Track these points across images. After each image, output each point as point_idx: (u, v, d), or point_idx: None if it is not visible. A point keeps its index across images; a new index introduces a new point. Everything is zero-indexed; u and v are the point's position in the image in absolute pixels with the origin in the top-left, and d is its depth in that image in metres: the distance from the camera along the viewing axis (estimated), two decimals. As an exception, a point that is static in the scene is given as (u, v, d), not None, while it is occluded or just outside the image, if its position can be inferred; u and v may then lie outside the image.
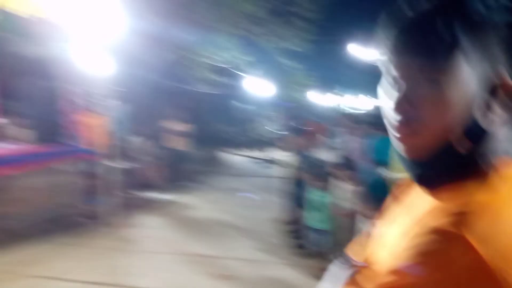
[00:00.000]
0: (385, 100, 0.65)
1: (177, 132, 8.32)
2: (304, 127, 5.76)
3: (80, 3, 5.17)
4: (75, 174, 5.55)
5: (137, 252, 4.72)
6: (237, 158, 13.11)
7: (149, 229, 5.56)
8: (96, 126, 6.13)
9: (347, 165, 4.79)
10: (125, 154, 7.00)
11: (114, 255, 4.57)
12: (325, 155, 5.13)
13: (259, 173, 10.67)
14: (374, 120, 4.21)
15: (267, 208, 6.25)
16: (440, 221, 0.54)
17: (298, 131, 5.66)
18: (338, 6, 14.13)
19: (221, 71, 11.28)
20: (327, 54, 18.63)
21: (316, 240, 4.20)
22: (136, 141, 8.07)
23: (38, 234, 4.84)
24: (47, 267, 4.09)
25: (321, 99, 22.74)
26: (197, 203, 7.12)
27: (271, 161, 11.33)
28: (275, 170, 9.10)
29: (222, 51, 10.79)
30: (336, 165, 4.88)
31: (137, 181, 7.33)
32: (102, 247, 4.76)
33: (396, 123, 0.62)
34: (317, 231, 4.19)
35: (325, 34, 14.54)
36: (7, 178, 4.74)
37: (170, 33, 9.12)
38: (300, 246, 4.63)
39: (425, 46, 0.58)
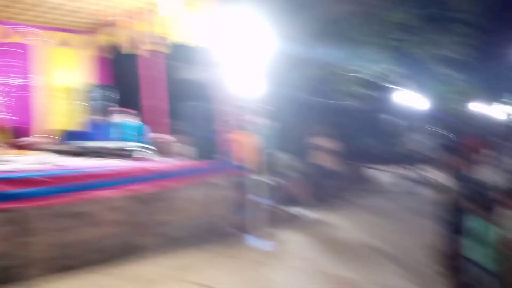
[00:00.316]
0: None
1: (323, 148, 8.31)
2: (465, 142, 5.11)
3: (234, 31, 5.63)
4: (227, 188, 5.95)
5: (280, 267, 4.80)
6: (386, 175, 12.43)
7: (292, 244, 5.62)
8: (247, 143, 6.51)
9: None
10: (272, 169, 7.27)
11: (259, 268, 4.73)
12: (490, 177, 4.45)
13: (410, 193, 9.91)
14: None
15: (418, 233, 5.72)
16: None
17: (456, 148, 5.05)
18: (505, 6, 12.33)
19: (369, 84, 10.94)
20: (492, 59, 16.42)
21: (478, 277, 3.64)
22: (283, 157, 8.31)
23: (194, 242, 5.32)
24: (201, 274, 4.44)
25: (486, 110, 20.07)
26: (342, 222, 6.95)
27: (423, 181, 10.43)
28: (428, 191, 8.34)
29: (371, 63, 10.45)
30: (505, 190, 4.19)
31: (283, 197, 7.52)
32: (248, 259, 4.98)
33: None
34: (479, 267, 3.64)
35: (490, 37, 12.84)
36: (171, 190, 5.33)
37: (317, 51, 9.23)
38: (458, 282, 4.08)
39: None
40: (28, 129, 8.22)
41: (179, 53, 7.81)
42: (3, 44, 7.89)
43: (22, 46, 8.14)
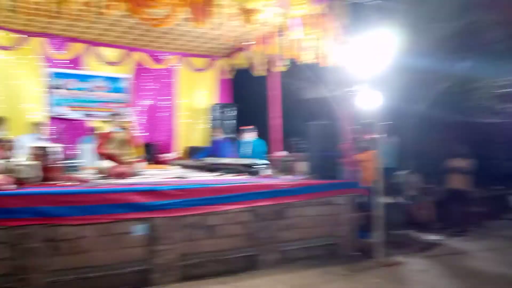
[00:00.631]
0: None
1: (451, 167, 7.55)
2: None
3: (354, 48, 5.54)
4: (349, 207, 5.77)
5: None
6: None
7: (415, 271, 5.16)
8: (366, 161, 6.27)
9: None
10: (393, 189, 6.86)
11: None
12: None
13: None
14: None
15: None
16: None
17: None
18: None
19: (508, 97, 9.76)
20: None
21: None
22: (405, 176, 7.78)
23: (313, 262, 5.25)
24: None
25: None
26: (472, 249, 6.19)
27: None
28: None
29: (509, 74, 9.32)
30: None
31: (405, 218, 7.02)
32: (369, 283, 4.71)
33: None
34: None
35: None
36: (292, 208, 5.35)
37: (441, 63, 8.58)
38: None
39: None
40: (165, 146, 9.15)
41: (303, 73, 7.95)
42: (152, 71, 8.98)
43: (166, 72, 9.16)
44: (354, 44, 5.72)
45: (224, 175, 6.12)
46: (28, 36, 7.68)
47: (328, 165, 5.88)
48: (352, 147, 6.19)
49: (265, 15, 6.07)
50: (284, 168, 6.48)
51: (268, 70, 7.76)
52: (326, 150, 5.89)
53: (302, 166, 6.27)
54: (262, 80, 7.96)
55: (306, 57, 6.36)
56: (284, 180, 5.73)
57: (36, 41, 7.79)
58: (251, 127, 7.51)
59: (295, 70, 7.50)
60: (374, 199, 5.47)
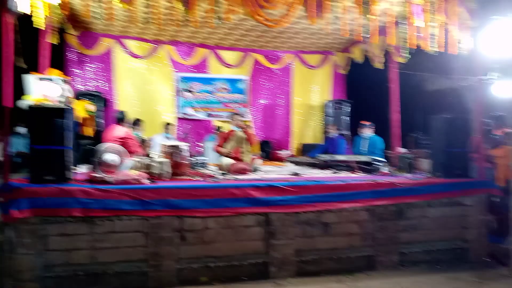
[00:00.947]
0: None
1: None
2: None
3: (483, 34, 5.01)
4: (476, 208, 5.25)
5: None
6: None
7: None
8: (500, 157, 5.64)
9: None
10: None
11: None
12: None
13: None
14: None
15: None
16: None
17: None
18: None
19: None
20: None
21: None
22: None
23: (437, 266, 4.91)
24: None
25: None
26: None
27: None
28: None
29: None
30: None
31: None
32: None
33: None
34: None
35: None
36: (413, 208, 5.05)
37: None
38: None
39: None
40: (281, 143, 9.39)
41: (425, 63, 7.46)
42: (268, 70, 9.31)
43: (281, 70, 9.39)
44: (483, 29, 5.17)
45: (339, 173, 6.04)
46: (159, 44, 8.55)
47: (456, 162, 5.40)
48: (484, 142, 5.61)
49: (383, 4, 5.83)
50: (404, 165, 6.12)
51: (386, 62, 7.44)
52: (453, 145, 5.41)
53: (425, 163, 5.86)
54: (378, 73, 7.66)
55: (429, 46, 5.94)
56: (404, 178, 5.44)
57: (165, 48, 8.63)
58: (368, 123, 7.27)
59: (415, 60, 7.05)
60: (509, 199, 4.87)
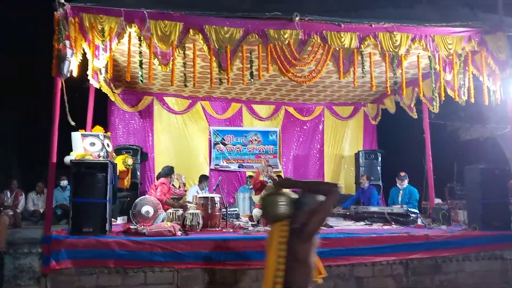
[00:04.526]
0: None
1: None
2: None
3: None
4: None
5: None
6: None
7: None
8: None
9: None
10: None
11: None
12: None
13: None
14: None
15: None
16: None
17: None
18: None
19: None
20: None
21: None
22: None
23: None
24: None
25: None
26: None
27: None
28: None
29: None
30: None
31: None
32: None
33: None
34: None
35: None
36: (444, 260, 4.87)
37: None
38: None
39: None
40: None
41: (457, 113, 7.42)
42: (299, 122, 9.48)
43: (312, 122, 9.54)
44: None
45: (372, 225, 5.93)
46: (195, 100, 8.97)
47: (493, 214, 5.21)
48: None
49: (410, 58, 5.95)
50: (439, 217, 5.94)
51: (418, 112, 7.44)
52: (490, 196, 5.26)
53: (460, 215, 5.68)
54: (410, 123, 7.65)
55: (458, 97, 5.94)
56: (439, 230, 5.28)
57: (201, 104, 9.04)
58: (403, 173, 7.17)
59: (449, 110, 7.03)
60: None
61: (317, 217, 2.45)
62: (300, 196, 2.60)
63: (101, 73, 6.16)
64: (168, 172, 6.35)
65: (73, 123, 4.99)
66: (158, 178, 6.94)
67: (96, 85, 6.30)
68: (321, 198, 2.51)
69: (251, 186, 6.86)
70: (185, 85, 5.71)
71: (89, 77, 5.44)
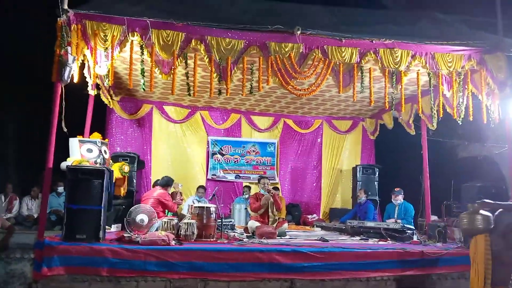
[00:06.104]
0: None
1: None
2: None
3: None
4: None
5: None
6: None
7: None
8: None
9: None
10: None
11: None
12: None
13: None
14: None
15: None
16: None
17: None
18: None
19: None
20: None
21: None
22: None
23: None
24: None
25: None
26: None
27: None
28: None
29: None
30: None
31: None
32: None
33: None
34: None
35: None
36: (439, 277, 4.85)
37: None
38: None
39: None
40: (309, 207, 9.32)
41: (455, 130, 7.43)
42: (297, 134, 9.49)
43: (311, 135, 9.55)
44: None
45: (368, 240, 5.90)
46: (194, 110, 8.98)
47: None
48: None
49: (410, 74, 5.98)
50: (435, 234, 5.91)
51: (417, 128, 7.45)
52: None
53: (456, 232, 5.66)
54: (408, 139, 7.66)
55: (456, 115, 5.97)
56: (434, 247, 5.25)
57: (200, 113, 9.04)
58: (397, 189, 7.17)
59: (447, 127, 7.04)
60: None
61: None
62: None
63: (102, 80, 6.16)
64: (167, 183, 6.29)
65: (65, 129, 4.97)
66: (154, 186, 6.90)
67: (92, 93, 6.31)
68: None
69: (248, 205, 6.80)
70: (189, 94, 5.72)
71: (88, 85, 5.45)
